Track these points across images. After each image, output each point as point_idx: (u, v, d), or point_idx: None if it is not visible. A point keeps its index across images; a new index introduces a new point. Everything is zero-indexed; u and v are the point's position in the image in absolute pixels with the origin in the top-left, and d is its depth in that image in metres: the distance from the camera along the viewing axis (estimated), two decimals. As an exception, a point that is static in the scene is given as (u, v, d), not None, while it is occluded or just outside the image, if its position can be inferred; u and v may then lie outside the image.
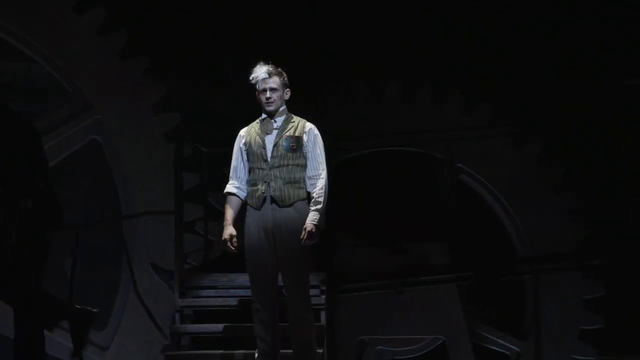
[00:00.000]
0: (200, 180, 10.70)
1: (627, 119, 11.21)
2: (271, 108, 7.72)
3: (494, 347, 11.01)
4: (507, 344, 10.99)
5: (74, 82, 10.71)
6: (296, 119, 7.79)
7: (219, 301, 9.44)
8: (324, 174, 7.69)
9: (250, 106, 8.06)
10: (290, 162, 7.66)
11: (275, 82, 7.70)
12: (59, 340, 9.92)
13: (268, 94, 7.69)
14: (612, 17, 11.22)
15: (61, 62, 10.70)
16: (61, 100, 10.80)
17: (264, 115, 7.78)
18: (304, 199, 7.66)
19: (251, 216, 7.70)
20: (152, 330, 10.24)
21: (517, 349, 10.97)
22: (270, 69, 7.71)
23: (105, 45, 10.70)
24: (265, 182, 7.64)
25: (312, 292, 8.19)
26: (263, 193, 7.63)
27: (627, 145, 11.24)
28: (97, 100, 10.72)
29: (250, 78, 7.74)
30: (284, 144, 7.66)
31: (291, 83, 7.83)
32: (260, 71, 7.71)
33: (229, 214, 7.75)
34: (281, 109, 7.76)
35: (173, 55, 10.95)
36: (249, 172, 7.75)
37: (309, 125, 7.76)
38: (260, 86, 7.72)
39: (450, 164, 11.21)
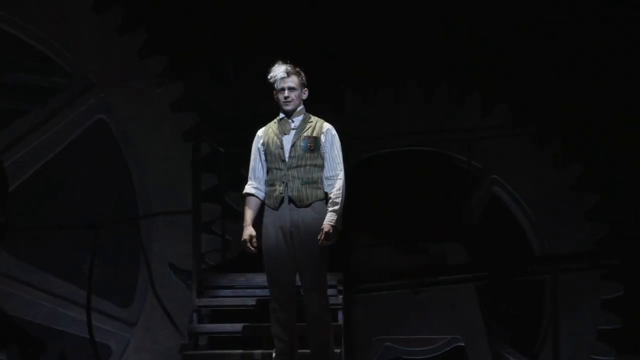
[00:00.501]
0: (218, 180, 10.72)
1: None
2: (289, 107, 7.71)
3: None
4: None
5: (90, 80, 10.75)
6: (314, 119, 7.79)
7: (236, 301, 9.44)
8: (341, 174, 7.68)
9: (264, 106, 8.08)
10: (308, 162, 7.65)
11: (293, 81, 7.70)
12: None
13: (286, 93, 7.68)
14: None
15: (78, 60, 10.75)
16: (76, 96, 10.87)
17: (281, 115, 7.78)
18: (321, 199, 7.66)
19: (269, 216, 7.70)
20: (169, 329, 10.25)
21: None
22: (289, 68, 7.71)
23: (123, 44, 10.75)
24: (283, 182, 7.64)
25: (330, 291, 8.20)
26: (281, 193, 7.63)
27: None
28: (114, 100, 10.75)
29: (269, 77, 7.74)
30: (302, 144, 7.65)
31: (309, 83, 7.83)
32: (279, 70, 7.71)
33: (248, 214, 7.76)
34: (299, 108, 7.76)
35: (190, 56, 10.99)
36: (267, 172, 7.76)
37: (327, 126, 7.76)
38: (278, 85, 7.71)
39: (485, 175, 11.23)
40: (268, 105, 7.98)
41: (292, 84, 7.69)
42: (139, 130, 10.78)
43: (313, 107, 7.95)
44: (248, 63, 10.82)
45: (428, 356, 10.83)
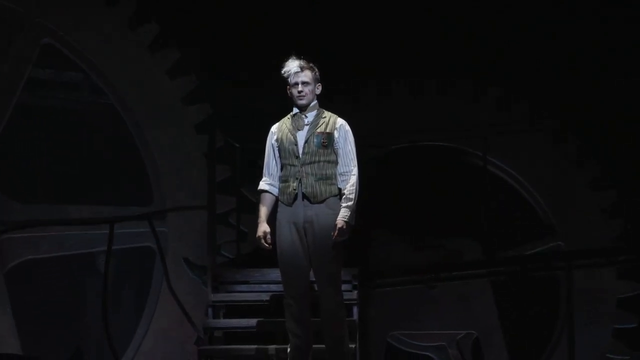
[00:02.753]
0: (232, 174, 10.72)
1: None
2: (303, 102, 7.70)
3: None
4: None
5: (103, 74, 10.78)
6: (327, 114, 7.77)
7: (251, 296, 9.46)
8: (355, 170, 7.67)
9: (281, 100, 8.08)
10: (322, 158, 7.64)
11: (307, 76, 7.69)
12: None
13: (300, 87, 7.67)
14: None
15: (95, 58, 10.78)
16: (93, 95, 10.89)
17: (295, 110, 7.77)
18: (335, 195, 7.64)
19: (283, 212, 7.69)
20: (185, 324, 10.26)
21: None
22: (302, 63, 7.69)
23: (135, 37, 10.77)
24: (297, 178, 7.63)
25: (344, 287, 8.18)
26: (295, 190, 7.62)
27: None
28: (130, 96, 10.78)
29: (282, 72, 7.73)
30: (315, 140, 7.64)
31: (324, 78, 7.82)
32: (292, 65, 7.69)
33: (263, 210, 7.76)
34: (312, 103, 7.74)
35: (202, 49, 11.00)
36: (281, 168, 7.75)
37: (340, 121, 7.74)
38: (292, 80, 7.70)
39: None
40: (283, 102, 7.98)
41: (305, 79, 7.68)
42: (152, 123, 10.79)
43: (328, 103, 7.95)
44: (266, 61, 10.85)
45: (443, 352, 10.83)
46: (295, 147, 7.66)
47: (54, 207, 10.58)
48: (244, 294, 9.49)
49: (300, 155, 7.64)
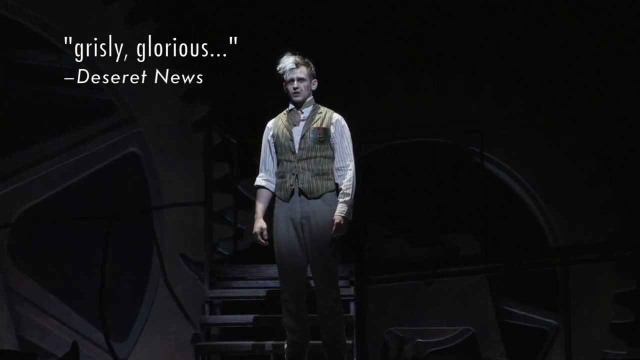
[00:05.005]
0: (230, 170, 10.73)
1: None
2: (298, 98, 7.70)
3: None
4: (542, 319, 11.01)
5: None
6: (323, 109, 7.77)
7: (248, 292, 9.45)
8: (351, 165, 7.67)
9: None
10: (318, 154, 7.64)
11: (302, 72, 7.69)
12: None
13: (295, 83, 7.67)
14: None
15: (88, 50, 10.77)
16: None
17: (291, 106, 7.78)
18: (332, 191, 7.65)
19: (280, 208, 7.70)
20: (182, 320, 10.27)
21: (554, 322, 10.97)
22: (298, 59, 7.69)
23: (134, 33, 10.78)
24: (294, 174, 7.63)
25: (341, 283, 8.21)
26: (291, 185, 7.63)
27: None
28: (129, 98, 10.79)
29: (278, 68, 7.73)
30: (312, 136, 7.64)
31: (320, 74, 7.82)
32: (288, 61, 7.69)
33: (259, 207, 7.77)
34: (308, 99, 7.75)
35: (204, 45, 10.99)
36: (278, 164, 7.75)
37: (336, 117, 7.74)
38: (287, 76, 7.70)
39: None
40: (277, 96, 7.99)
41: (301, 75, 7.68)
42: (151, 122, 10.80)
43: (325, 98, 7.95)
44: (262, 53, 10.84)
45: (440, 347, 10.83)
46: (291, 142, 7.66)
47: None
48: (241, 290, 9.49)
49: (297, 151, 7.65)
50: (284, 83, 7.74)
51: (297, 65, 7.68)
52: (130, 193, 10.91)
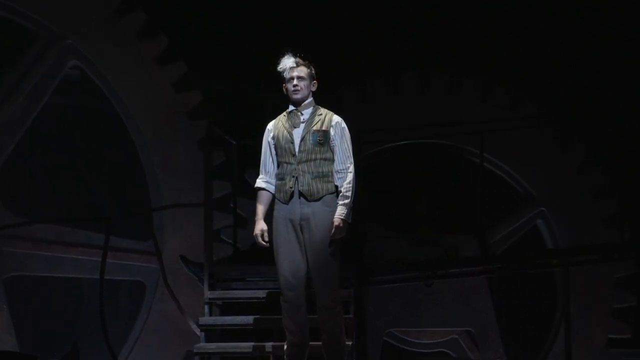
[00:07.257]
0: (230, 172, 10.73)
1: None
2: (297, 96, 7.69)
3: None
4: None
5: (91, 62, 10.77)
6: (323, 111, 7.76)
7: (248, 293, 9.44)
8: (351, 167, 7.67)
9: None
10: (318, 156, 7.64)
11: (302, 71, 7.69)
12: None
13: (295, 81, 7.67)
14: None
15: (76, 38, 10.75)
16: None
17: (291, 108, 7.77)
18: (332, 193, 7.64)
19: (279, 210, 7.70)
20: (181, 321, 10.27)
21: None
22: (298, 59, 7.71)
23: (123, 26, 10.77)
24: (294, 176, 7.63)
25: (341, 283, 8.17)
26: (291, 188, 7.63)
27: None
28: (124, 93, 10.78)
29: (278, 68, 7.74)
30: (311, 138, 7.64)
31: (320, 75, 7.83)
32: (288, 61, 7.70)
33: (260, 208, 7.76)
34: (308, 100, 7.74)
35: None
36: (278, 166, 7.75)
37: (336, 119, 7.73)
38: (287, 75, 7.71)
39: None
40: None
41: (301, 74, 7.69)
42: (149, 121, 10.79)
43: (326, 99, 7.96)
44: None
45: (438, 349, 10.85)
46: (291, 144, 7.66)
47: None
48: (240, 291, 9.48)
49: (297, 153, 7.64)
50: (284, 84, 7.74)
51: (297, 64, 7.70)
52: (129, 194, 10.90)
